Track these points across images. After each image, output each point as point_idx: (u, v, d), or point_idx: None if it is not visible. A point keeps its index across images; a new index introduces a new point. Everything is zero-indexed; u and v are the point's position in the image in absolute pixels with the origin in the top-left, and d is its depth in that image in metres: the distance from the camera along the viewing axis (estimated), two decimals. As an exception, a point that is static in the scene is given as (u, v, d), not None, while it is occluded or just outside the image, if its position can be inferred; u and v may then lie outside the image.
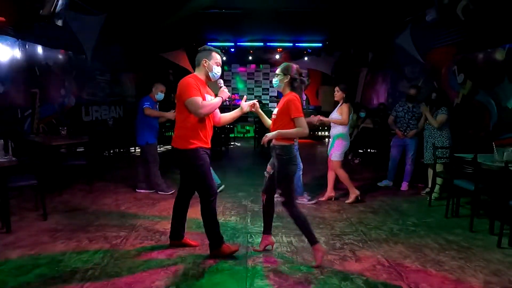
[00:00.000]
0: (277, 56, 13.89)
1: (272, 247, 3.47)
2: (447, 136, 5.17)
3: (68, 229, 3.89)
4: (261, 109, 3.49)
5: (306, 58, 13.54)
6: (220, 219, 4.29)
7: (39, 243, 3.50)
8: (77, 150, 6.34)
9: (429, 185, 5.39)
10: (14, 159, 3.92)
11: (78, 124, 7.35)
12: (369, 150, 8.97)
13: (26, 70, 5.85)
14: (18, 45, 5.62)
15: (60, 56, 6.93)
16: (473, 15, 5.06)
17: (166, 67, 13.61)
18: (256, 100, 3.61)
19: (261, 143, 3.20)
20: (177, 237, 3.44)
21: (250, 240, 3.67)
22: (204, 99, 3.12)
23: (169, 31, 10.30)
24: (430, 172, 5.39)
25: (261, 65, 14.74)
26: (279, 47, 13.31)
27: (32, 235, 3.68)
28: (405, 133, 5.68)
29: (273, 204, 3.40)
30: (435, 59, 6.93)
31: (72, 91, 7.33)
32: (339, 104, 5.03)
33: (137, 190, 5.41)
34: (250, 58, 13.74)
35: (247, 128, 13.56)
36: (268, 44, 12.54)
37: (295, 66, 3.27)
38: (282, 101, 3.20)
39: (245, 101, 3.41)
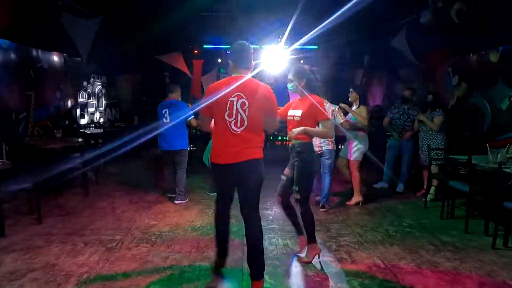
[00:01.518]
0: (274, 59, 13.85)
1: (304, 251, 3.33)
2: (442, 137, 5.20)
3: (63, 232, 3.87)
4: None
5: (302, 61, 13.56)
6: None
7: (34, 247, 3.48)
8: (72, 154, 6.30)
9: (425, 187, 5.41)
10: (8, 162, 3.91)
11: (73, 127, 7.32)
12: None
13: (21, 72, 5.82)
14: (13, 47, 5.60)
15: (56, 59, 6.90)
16: (467, 18, 5.14)
17: (162, 69, 13.61)
18: None
19: (287, 139, 3.15)
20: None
21: (245, 242, 3.65)
22: None
23: (165, 34, 10.30)
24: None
25: (257, 67, 14.76)
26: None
27: (26, 239, 3.66)
28: (401, 135, 5.71)
29: (291, 204, 3.32)
30: (430, 61, 6.96)
31: (67, 94, 7.31)
32: (356, 106, 5.02)
33: (175, 202, 5.02)
34: None
35: None
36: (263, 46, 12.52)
37: (306, 66, 3.24)
38: (306, 103, 3.12)
39: None
